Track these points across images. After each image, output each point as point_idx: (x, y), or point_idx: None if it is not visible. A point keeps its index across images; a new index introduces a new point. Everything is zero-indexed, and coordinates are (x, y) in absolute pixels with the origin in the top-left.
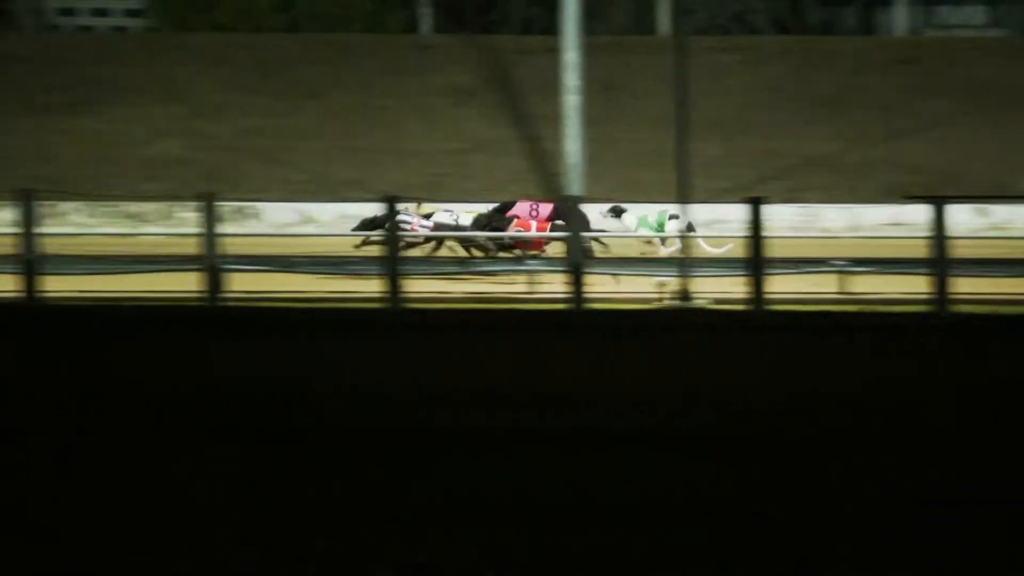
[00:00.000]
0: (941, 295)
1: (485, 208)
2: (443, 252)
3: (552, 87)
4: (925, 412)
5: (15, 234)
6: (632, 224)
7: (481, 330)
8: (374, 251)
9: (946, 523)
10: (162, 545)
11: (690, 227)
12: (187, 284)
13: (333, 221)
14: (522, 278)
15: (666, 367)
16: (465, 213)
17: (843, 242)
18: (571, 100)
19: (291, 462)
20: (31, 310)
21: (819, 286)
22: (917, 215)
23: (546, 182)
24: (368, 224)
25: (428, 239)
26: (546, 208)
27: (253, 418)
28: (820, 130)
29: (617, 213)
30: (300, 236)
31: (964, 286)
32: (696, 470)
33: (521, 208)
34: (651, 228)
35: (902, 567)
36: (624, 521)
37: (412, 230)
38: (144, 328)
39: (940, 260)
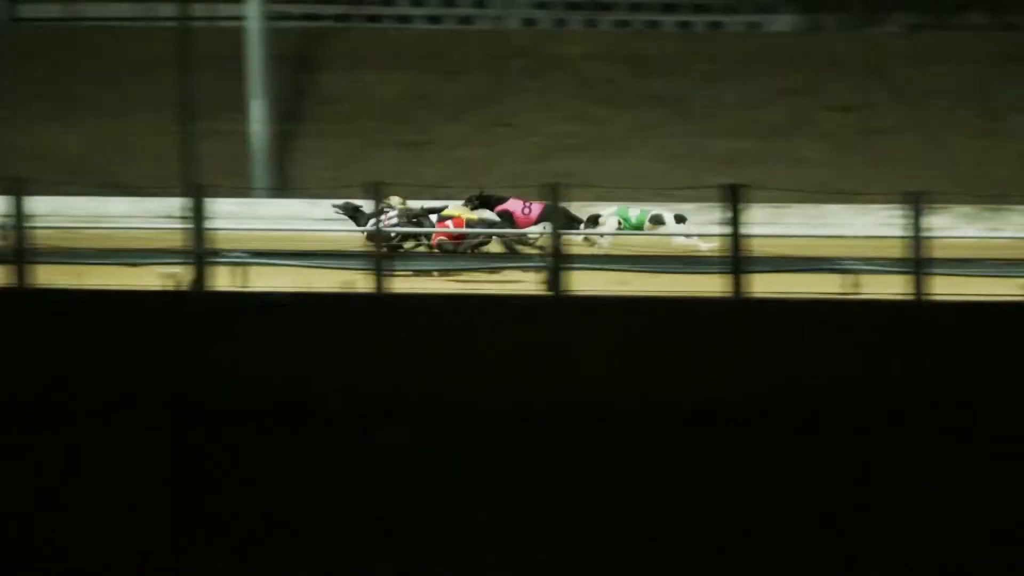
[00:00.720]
0: None
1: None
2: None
3: None
4: None
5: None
6: (613, 224)
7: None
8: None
9: None
10: None
11: (679, 219)
12: None
13: None
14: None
15: None
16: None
17: None
18: None
19: None
20: None
21: None
22: None
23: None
24: (351, 210)
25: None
26: (538, 207)
27: None
28: None
29: (593, 221)
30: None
31: None
32: None
33: (513, 204)
34: (630, 225)
35: None
36: None
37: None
38: None
39: None
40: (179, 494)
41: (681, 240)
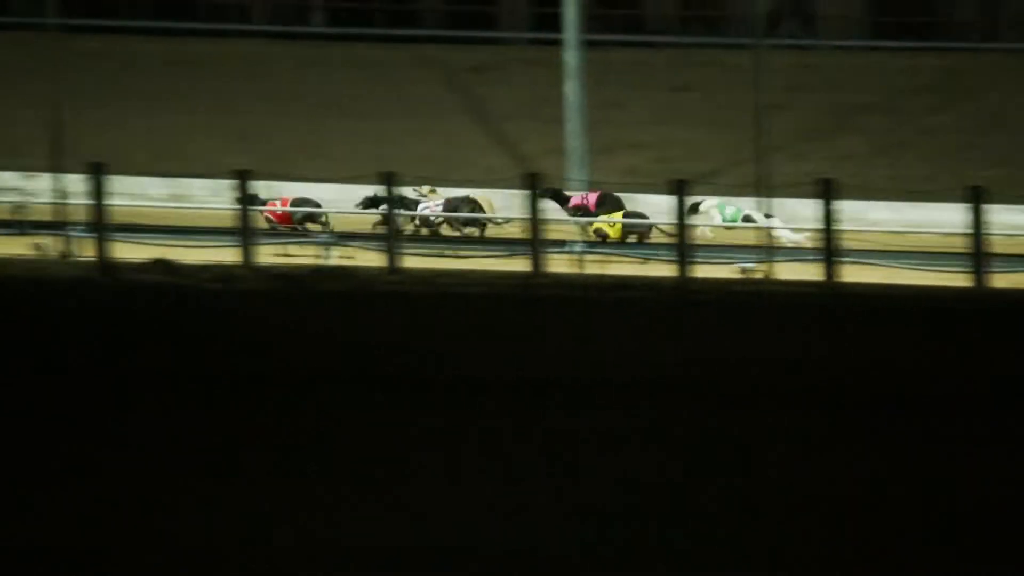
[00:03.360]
0: None
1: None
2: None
3: None
4: None
5: None
6: (715, 215)
7: None
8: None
9: None
10: None
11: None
12: None
13: None
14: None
15: None
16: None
17: None
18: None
19: None
20: None
21: None
22: None
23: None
24: (369, 203)
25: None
26: (593, 196)
27: None
28: None
29: (695, 208)
30: None
31: None
32: None
33: (576, 199)
34: (726, 219)
35: None
36: None
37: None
38: None
39: None
40: None
41: (787, 234)
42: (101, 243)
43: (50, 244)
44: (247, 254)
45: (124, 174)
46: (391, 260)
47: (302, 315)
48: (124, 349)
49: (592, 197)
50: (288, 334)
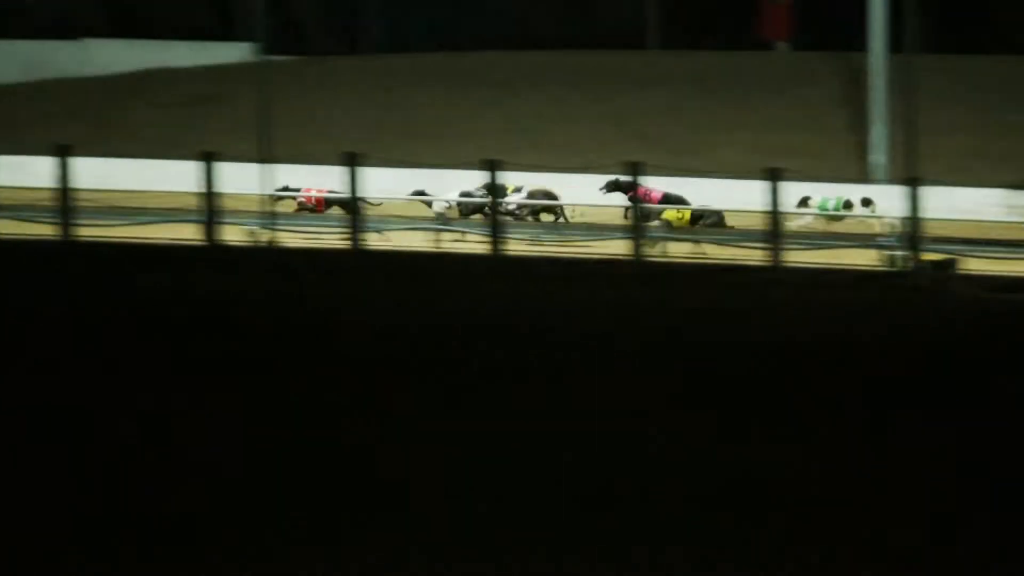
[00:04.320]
0: None
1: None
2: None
3: None
4: None
5: None
6: (816, 206)
7: None
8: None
9: None
10: None
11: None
12: None
13: None
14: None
15: None
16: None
17: None
18: None
19: None
20: None
21: None
22: None
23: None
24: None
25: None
26: (657, 194)
27: None
28: None
29: (803, 202)
30: None
31: None
32: None
33: (641, 191)
34: (828, 210)
35: None
36: None
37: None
38: None
39: None
40: None
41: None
42: None
43: None
44: None
45: None
46: None
47: None
48: None
49: (656, 194)
50: None
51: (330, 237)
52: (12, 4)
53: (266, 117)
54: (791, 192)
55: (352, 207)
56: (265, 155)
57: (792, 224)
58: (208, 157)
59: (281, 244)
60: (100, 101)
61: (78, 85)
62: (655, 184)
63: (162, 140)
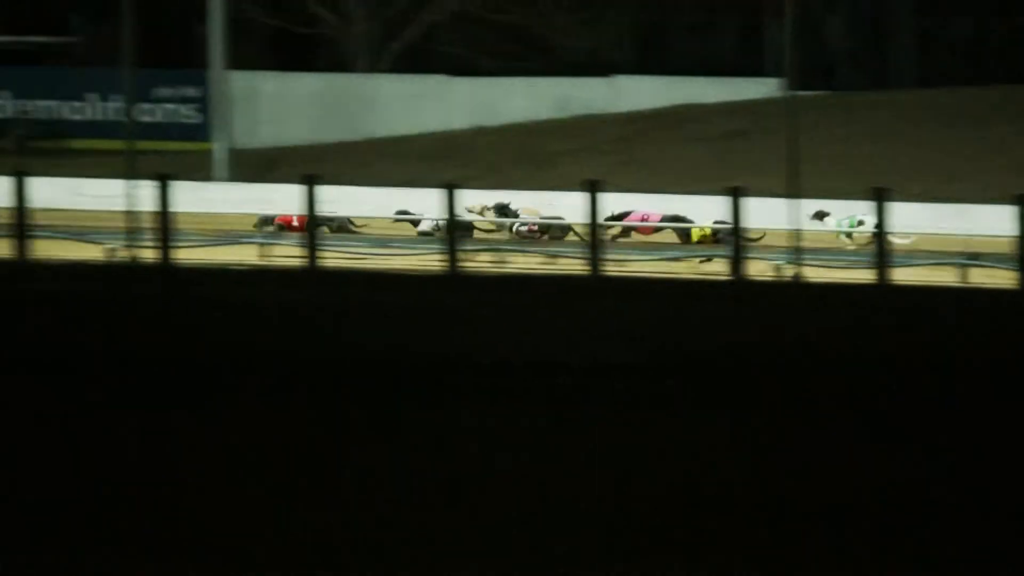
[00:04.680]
0: None
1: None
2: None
3: None
4: None
5: None
6: (833, 225)
7: None
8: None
9: None
10: None
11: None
12: None
13: None
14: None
15: None
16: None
17: None
18: None
19: None
20: None
21: None
22: None
23: None
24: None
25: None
26: (656, 216)
27: None
28: None
29: (820, 216)
30: None
31: None
32: None
33: (634, 216)
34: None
35: None
36: None
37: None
38: None
39: None
40: None
41: (895, 240)
42: None
43: None
44: None
45: None
46: None
47: None
48: None
49: (655, 215)
50: None
51: (850, 271)
52: (541, 43)
53: (795, 152)
54: None
55: (879, 241)
56: (793, 189)
57: None
58: (735, 192)
59: (806, 279)
60: (630, 136)
61: (607, 120)
62: None
63: (690, 175)
